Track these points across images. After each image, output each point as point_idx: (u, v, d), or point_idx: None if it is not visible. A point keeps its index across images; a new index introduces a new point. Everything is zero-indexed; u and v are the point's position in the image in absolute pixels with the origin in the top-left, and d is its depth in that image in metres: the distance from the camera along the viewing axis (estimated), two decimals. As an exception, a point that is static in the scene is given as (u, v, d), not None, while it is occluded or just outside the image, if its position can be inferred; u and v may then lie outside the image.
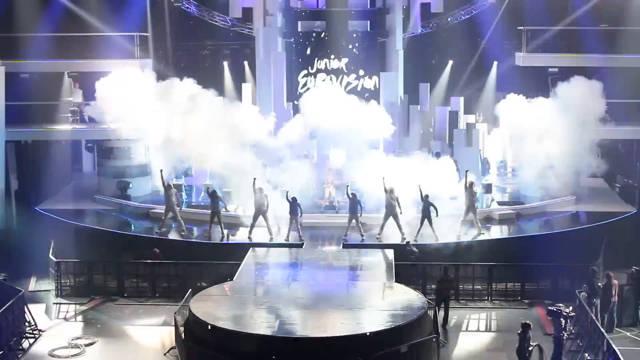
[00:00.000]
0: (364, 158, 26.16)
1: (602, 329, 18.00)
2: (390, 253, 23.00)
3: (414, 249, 23.22)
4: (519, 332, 17.37)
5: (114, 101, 27.60)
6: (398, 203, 23.80)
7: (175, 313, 19.43)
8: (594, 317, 18.86)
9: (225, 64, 35.58)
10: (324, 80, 31.90)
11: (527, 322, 17.57)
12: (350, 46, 32.53)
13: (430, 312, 19.38)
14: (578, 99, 26.84)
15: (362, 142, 27.45)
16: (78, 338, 20.11)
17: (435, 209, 23.70)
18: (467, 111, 33.48)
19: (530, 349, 17.30)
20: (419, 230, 23.94)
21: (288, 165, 26.59)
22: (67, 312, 22.29)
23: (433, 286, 21.93)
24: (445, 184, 25.10)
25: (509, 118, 28.30)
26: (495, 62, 34.64)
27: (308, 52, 32.53)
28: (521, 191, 29.20)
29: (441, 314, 20.71)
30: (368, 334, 17.25)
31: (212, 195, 24.59)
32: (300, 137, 27.92)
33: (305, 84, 32.18)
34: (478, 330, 21.19)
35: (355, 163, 26.28)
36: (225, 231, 24.71)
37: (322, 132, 27.88)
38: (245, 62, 35.28)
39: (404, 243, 23.42)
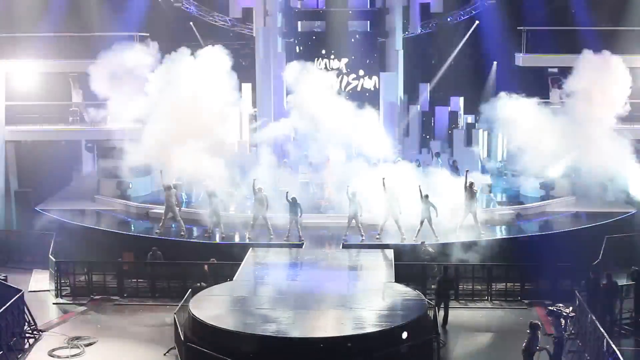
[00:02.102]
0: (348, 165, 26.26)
1: (601, 329, 17.98)
2: (390, 253, 23.00)
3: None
4: (527, 331, 17.30)
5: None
6: (398, 203, 23.79)
7: (174, 313, 19.42)
8: (594, 317, 18.84)
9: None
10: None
11: (537, 322, 17.50)
12: (350, 46, 32.54)
13: (430, 312, 19.38)
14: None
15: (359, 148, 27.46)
16: (78, 338, 20.09)
17: (435, 209, 23.69)
18: (467, 111, 33.49)
19: (537, 348, 17.25)
20: (418, 230, 23.93)
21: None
22: (66, 312, 22.30)
23: (433, 286, 21.95)
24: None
25: (495, 117, 28.29)
26: (495, 63, 34.67)
27: (308, 52, 32.55)
28: (521, 191, 29.22)
29: (441, 314, 20.71)
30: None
31: (212, 195, 24.59)
32: (284, 137, 28.04)
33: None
34: (478, 331, 21.17)
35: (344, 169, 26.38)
36: (225, 230, 24.73)
37: (317, 133, 27.78)
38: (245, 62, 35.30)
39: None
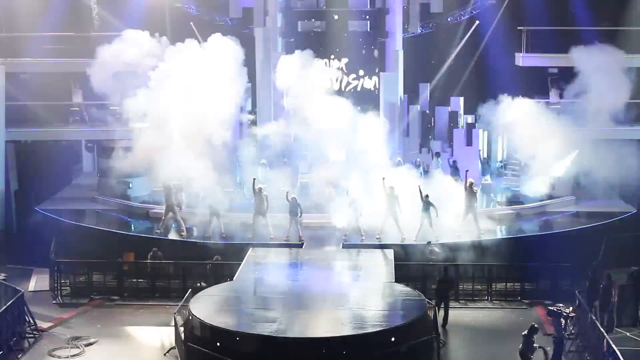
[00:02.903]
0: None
1: (602, 329, 18.00)
2: (390, 253, 23.00)
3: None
4: (524, 333, 17.32)
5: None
6: (398, 203, 23.80)
7: (175, 313, 19.43)
8: (594, 317, 18.85)
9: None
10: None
11: (536, 325, 17.53)
12: (350, 46, 32.51)
13: (430, 312, 19.39)
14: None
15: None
16: (78, 338, 20.10)
17: (435, 209, 23.68)
18: (466, 111, 33.47)
19: (534, 350, 17.27)
20: (418, 230, 23.93)
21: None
22: (67, 312, 22.30)
23: (433, 286, 21.94)
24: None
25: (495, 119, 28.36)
26: (494, 63, 34.63)
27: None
28: (521, 191, 29.21)
29: (441, 314, 20.71)
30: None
31: (211, 195, 24.60)
32: (282, 139, 28.07)
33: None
34: (478, 330, 21.18)
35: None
36: (224, 230, 24.73)
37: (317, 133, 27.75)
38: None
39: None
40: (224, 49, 26.38)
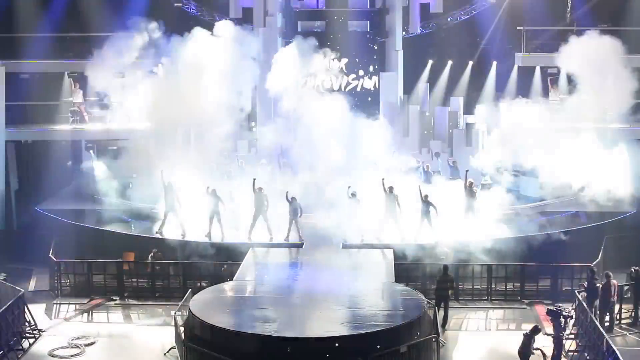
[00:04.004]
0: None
1: (601, 329, 18.00)
2: (390, 253, 22.99)
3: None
4: (525, 332, 17.32)
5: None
6: (397, 203, 23.80)
7: (175, 313, 19.44)
8: (594, 317, 18.86)
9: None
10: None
11: (539, 326, 17.54)
12: (350, 46, 32.54)
13: (430, 312, 19.39)
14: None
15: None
16: (78, 338, 20.10)
17: (435, 209, 23.69)
18: (466, 111, 33.51)
19: (532, 352, 17.29)
20: (418, 230, 23.91)
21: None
22: (67, 312, 22.32)
23: (433, 286, 21.94)
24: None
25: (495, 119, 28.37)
26: (495, 63, 34.66)
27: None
28: (521, 191, 29.22)
29: (441, 313, 20.71)
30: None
31: (213, 195, 24.59)
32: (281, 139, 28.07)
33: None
34: (477, 330, 21.19)
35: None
36: (225, 231, 24.71)
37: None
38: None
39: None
40: (231, 38, 26.35)
